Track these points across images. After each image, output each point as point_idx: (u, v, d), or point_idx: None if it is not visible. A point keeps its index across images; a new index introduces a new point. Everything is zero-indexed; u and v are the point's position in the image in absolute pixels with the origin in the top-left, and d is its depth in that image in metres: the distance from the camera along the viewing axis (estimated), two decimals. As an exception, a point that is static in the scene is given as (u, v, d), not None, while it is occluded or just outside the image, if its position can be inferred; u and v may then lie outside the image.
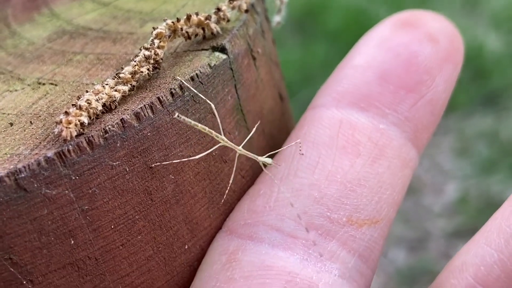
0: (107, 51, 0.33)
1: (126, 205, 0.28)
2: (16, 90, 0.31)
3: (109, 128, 0.26)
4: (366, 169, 0.30)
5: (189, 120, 0.28)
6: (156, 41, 0.29)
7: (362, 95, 0.31)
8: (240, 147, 0.31)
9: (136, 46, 0.32)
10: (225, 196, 0.31)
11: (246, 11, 0.32)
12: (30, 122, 0.28)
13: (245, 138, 0.32)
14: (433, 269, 1.12)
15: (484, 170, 1.28)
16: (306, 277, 0.28)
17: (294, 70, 1.50)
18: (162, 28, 0.30)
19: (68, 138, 0.26)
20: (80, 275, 0.27)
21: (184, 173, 0.29)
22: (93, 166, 0.26)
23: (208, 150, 0.30)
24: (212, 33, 0.31)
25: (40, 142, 0.26)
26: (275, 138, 0.34)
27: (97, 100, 0.27)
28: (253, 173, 0.33)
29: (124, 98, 0.28)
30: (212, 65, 0.30)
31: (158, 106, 0.28)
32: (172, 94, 0.28)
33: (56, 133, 0.26)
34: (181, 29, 0.30)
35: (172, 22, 0.30)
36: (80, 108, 0.26)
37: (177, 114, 0.28)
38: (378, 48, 0.32)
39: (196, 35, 0.31)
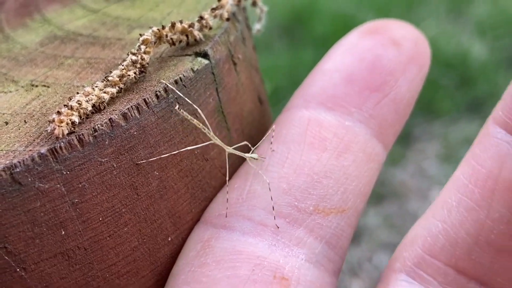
0: (96, 55, 0.35)
1: (113, 199, 0.30)
2: (10, 92, 0.33)
3: (98, 127, 0.28)
4: (332, 162, 0.32)
5: (187, 114, 0.31)
6: (143, 47, 0.31)
7: (329, 96, 0.34)
8: (229, 147, 0.33)
9: (124, 51, 0.34)
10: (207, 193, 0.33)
11: (228, 19, 0.34)
12: (25, 121, 0.30)
13: (226, 138, 0.34)
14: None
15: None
16: (274, 261, 0.30)
17: (282, 75, 1.53)
18: (148, 34, 0.32)
19: (60, 136, 0.28)
20: (70, 263, 0.29)
21: (168, 170, 0.31)
22: (83, 162, 0.28)
23: (192, 149, 0.32)
24: (195, 39, 0.33)
25: (34, 140, 0.28)
26: (254, 138, 0.37)
27: (87, 101, 0.29)
28: (233, 170, 0.35)
29: (112, 99, 0.30)
30: (195, 69, 0.32)
31: (144, 107, 0.30)
32: (157, 96, 0.30)
33: (49, 131, 0.28)
34: (166, 35, 0.32)
35: (158, 29, 0.32)
36: (71, 108, 0.28)
37: (177, 106, 0.30)
38: (345, 53, 0.35)
39: (180, 41, 0.33)
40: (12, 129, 0.30)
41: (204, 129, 0.32)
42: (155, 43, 0.32)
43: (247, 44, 0.37)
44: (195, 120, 0.31)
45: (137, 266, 0.31)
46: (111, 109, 0.30)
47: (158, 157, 0.30)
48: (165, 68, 0.32)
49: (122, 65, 0.31)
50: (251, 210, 0.32)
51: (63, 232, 0.29)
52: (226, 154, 0.33)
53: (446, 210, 0.29)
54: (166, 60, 0.33)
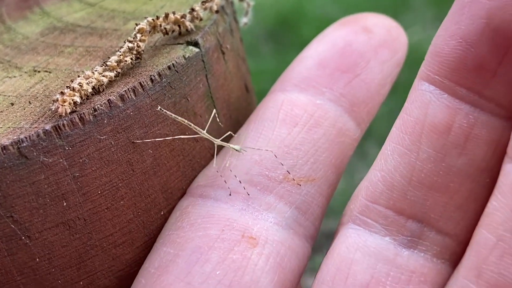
0: (94, 44, 0.37)
1: (111, 174, 0.32)
2: (14, 77, 0.35)
3: (98, 107, 0.31)
4: (302, 136, 0.35)
5: (170, 113, 0.33)
6: (139, 35, 0.34)
7: (302, 78, 0.37)
8: (217, 140, 0.36)
9: (120, 41, 0.37)
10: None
11: (217, 11, 0.37)
12: (29, 102, 0.32)
13: (214, 121, 0.37)
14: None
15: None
16: (243, 223, 0.33)
17: (268, 79, 1.55)
18: (143, 24, 0.35)
19: (63, 114, 0.30)
20: (71, 233, 0.32)
21: (161, 149, 0.34)
22: (83, 139, 0.31)
23: (182, 128, 0.35)
24: (186, 30, 0.36)
25: (38, 118, 0.31)
26: (240, 123, 0.39)
27: (87, 84, 0.32)
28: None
29: (111, 82, 0.33)
30: (186, 56, 0.35)
31: (139, 89, 0.32)
32: (151, 80, 0.33)
33: (53, 109, 0.31)
34: (160, 25, 0.35)
35: (152, 19, 0.35)
36: (73, 89, 0.31)
37: (159, 107, 0.33)
38: (319, 41, 0.38)
39: (173, 31, 0.36)
40: (17, 109, 0.32)
41: (190, 125, 0.34)
42: (150, 32, 0.35)
43: (235, 36, 0.40)
44: (179, 118, 0.34)
45: (132, 237, 0.34)
46: (109, 91, 0.32)
47: (172, 138, 0.33)
48: (159, 55, 0.35)
49: (120, 52, 0.33)
50: (224, 180, 0.35)
51: (64, 204, 0.31)
52: (215, 145, 0.36)
53: (383, 160, 0.32)
54: (159, 48, 0.36)
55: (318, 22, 1.84)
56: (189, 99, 0.35)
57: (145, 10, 0.40)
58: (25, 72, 0.36)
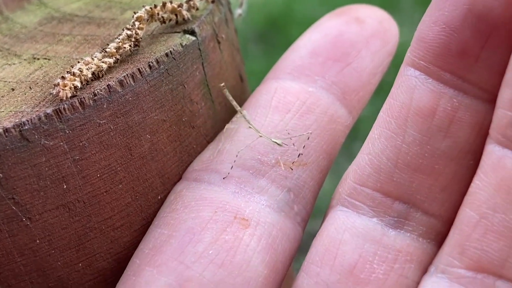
0: (92, 33, 0.38)
1: (110, 157, 0.33)
2: (14, 64, 0.36)
3: (97, 91, 0.32)
4: (294, 122, 0.36)
5: (229, 95, 0.37)
6: (137, 23, 0.35)
7: (295, 67, 0.38)
8: (261, 132, 0.36)
9: (117, 30, 0.38)
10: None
11: (213, 1, 0.38)
12: (30, 87, 0.33)
13: (210, 109, 0.38)
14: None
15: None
16: (235, 205, 0.34)
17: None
18: (141, 12, 0.35)
19: (64, 98, 0.31)
20: (71, 215, 0.32)
21: (159, 134, 0.35)
22: (84, 122, 0.32)
23: (179, 115, 0.35)
24: (183, 19, 0.37)
25: (39, 102, 0.32)
26: (235, 111, 0.40)
27: (87, 69, 0.32)
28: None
29: (110, 69, 0.34)
30: (183, 44, 0.36)
31: (138, 75, 0.33)
32: (150, 67, 0.34)
33: (54, 93, 0.31)
34: (158, 14, 0.36)
35: (150, 8, 0.36)
36: (73, 74, 0.32)
37: (222, 84, 0.36)
38: (313, 32, 0.39)
39: (170, 20, 0.37)
40: (18, 94, 0.33)
41: (242, 112, 0.37)
42: (147, 20, 0.36)
43: (230, 26, 0.41)
44: (234, 102, 0.38)
45: (130, 221, 0.35)
46: (108, 77, 0.33)
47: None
48: (157, 43, 0.36)
49: (118, 39, 0.34)
50: (219, 164, 0.36)
51: (65, 186, 0.32)
52: (257, 137, 0.36)
53: (370, 144, 0.33)
54: (157, 37, 0.36)
55: (307, 24, 1.84)
56: (186, 86, 0.36)
57: (141, 1, 0.41)
58: (25, 60, 0.36)
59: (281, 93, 0.37)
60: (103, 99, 0.32)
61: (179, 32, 0.36)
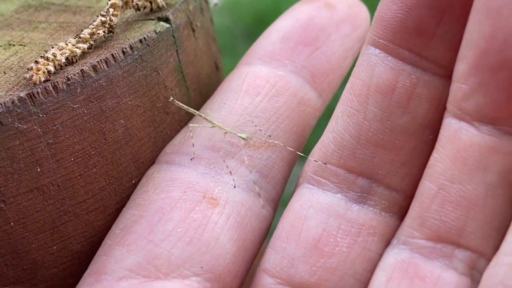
0: (68, 20, 0.38)
1: (84, 142, 0.33)
2: (-11, 50, 0.36)
3: (71, 76, 0.32)
4: (263, 104, 0.37)
5: (182, 104, 0.37)
6: (111, 10, 0.35)
7: (266, 52, 0.38)
8: (226, 129, 0.37)
9: (93, 17, 0.38)
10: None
11: (187, -10, 0.39)
12: (4, 72, 0.34)
13: (184, 95, 0.39)
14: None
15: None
16: (204, 185, 0.35)
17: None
18: (116, -1, 0.36)
19: (37, 82, 0.32)
20: (45, 198, 0.33)
21: (133, 119, 0.35)
22: (57, 106, 0.32)
23: (153, 100, 0.36)
24: (158, 6, 0.37)
25: (13, 86, 0.32)
26: (210, 97, 0.41)
27: (61, 54, 0.33)
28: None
29: (84, 54, 0.34)
30: (157, 31, 0.36)
31: (112, 61, 0.34)
32: (123, 52, 0.34)
33: (27, 77, 0.32)
34: (132, 1, 0.36)
35: (125, -5, 0.36)
36: (47, 59, 0.32)
37: (171, 98, 0.36)
38: (285, 18, 0.40)
39: (145, 7, 0.37)
40: (-7, 79, 0.33)
41: (201, 116, 0.37)
42: (122, 7, 0.36)
43: (205, 15, 0.42)
44: (190, 109, 0.37)
45: (104, 204, 0.35)
46: (82, 62, 0.34)
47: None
48: (131, 29, 0.36)
49: (93, 25, 0.35)
50: (189, 147, 0.36)
51: (38, 169, 0.32)
52: (224, 134, 0.37)
53: (334, 122, 0.34)
54: (131, 24, 0.37)
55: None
56: (160, 72, 0.36)
57: (118, -11, 0.41)
58: (0, 46, 0.37)
59: (251, 77, 0.38)
60: (76, 84, 0.33)
61: (153, 20, 0.37)
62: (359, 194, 0.34)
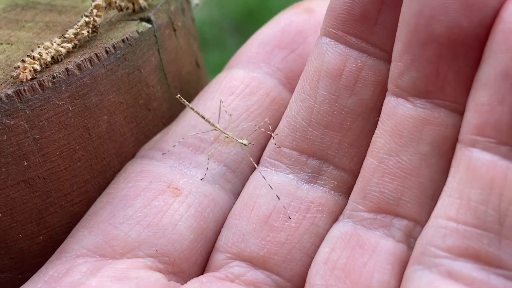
0: (54, 20, 0.40)
1: (68, 137, 0.35)
2: (-23, 48, 0.38)
3: (56, 74, 0.34)
4: (236, 102, 0.39)
5: (188, 103, 0.39)
6: (95, 11, 0.37)
7: (244, 56, 0.40)
8: (227, 133, 0.38)
9: (78, 17, 0.40)
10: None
11: (169, -9, 0.41)
12: (-8, 70, 0.35)
13: (166, 92, 0.40)
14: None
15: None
16: (171, 176, 0.37)
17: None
18: (99, 1, 0.37)
19: (24, 80, 0.33)
20: (31, 191, 0.35)
21: (116, 116, 0.37)
22: (43, 103, 0.34)
23: (136, 97, 0.38)
24: (140, 7, 0.39)
25: (1, 84, 0.34)
26: (191, 96, 0.42)
27: (47, 53, 0.35)
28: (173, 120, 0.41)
29: (69, 53, 0.36)
30: (140, 31, 0.38)
31: (95, 60, 0.35)
32: (107, 52, 0.36)
33: (14, 75, 0.33)
34: (115, 2, 0.38)
35: (108, -3, 0.38)
36: (33, 58, 0.34)
37: (178, 95, 0.38)
38: (267, 25, 0.42)
39: (127, 8, 0.39)
40: (-19, 76, 0.35)
41: (204, 117, 0.38)
42: (105, 8, 0.38)
43: (186, 15, 0.43)
44: (194, 109, 0.39)
45: (89, 197, 0.37)
46: (67, 61, 0.35)
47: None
48: (114, 29, 0.38)
49: (77, 25, 0.36)
50: (163, 143, 0.38)
51: (25, 163, 0.34)
52: (223, 137, 0.38)
53: (288, 108, 0.36)
54: (114, 24, 0.39)
55: (282, 15, 1.86)
56: (142, 70, 0.38)
57: (102, -10, 0.43)
58: (-12, 44, 0.38)
59: (228, 79, 0.40)
60: (61, 82, 0.34)
61: (135, 20, 0.39)
62: (309, 174, 0.36)
